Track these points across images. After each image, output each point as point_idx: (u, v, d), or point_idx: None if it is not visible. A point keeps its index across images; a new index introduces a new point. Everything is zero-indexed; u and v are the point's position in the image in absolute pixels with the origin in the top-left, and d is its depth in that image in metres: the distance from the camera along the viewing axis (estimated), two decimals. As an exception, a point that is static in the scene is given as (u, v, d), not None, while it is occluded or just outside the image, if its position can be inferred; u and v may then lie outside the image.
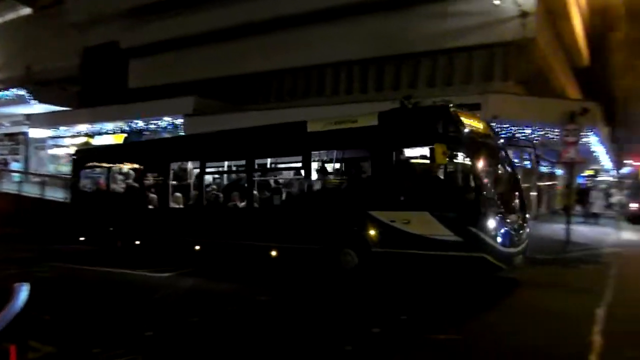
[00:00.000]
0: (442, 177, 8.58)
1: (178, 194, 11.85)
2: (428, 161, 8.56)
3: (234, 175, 12.39)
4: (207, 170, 11.73)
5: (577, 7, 23.19)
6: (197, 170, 11.63)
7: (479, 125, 8.88)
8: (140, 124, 22.29)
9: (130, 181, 12.86)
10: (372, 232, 8.71)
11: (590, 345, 5.37)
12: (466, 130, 8.27)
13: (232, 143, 11.35)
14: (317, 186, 9.99)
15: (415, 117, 9.19)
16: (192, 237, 11.10)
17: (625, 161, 31.15)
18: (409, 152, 9.13)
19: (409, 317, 6.63)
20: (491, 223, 7.91)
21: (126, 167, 13.12)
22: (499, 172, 9.21)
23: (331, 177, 10.12)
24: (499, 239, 7.99)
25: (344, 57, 19.47)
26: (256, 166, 10.92)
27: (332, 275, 9.03)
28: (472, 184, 8.25)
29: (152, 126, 22.23)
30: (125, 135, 22.96)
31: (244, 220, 10.66)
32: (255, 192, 10.62)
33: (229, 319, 6.74)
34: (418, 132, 8.72)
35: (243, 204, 10.72)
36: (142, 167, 12.52)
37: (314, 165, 9.98)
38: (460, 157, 8.43)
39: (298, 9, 19.20)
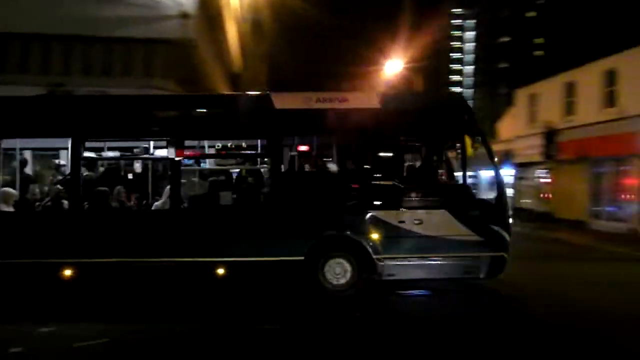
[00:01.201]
0: (461, 172, 7.96)
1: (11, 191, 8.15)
2: (450, 154, 8.02)
3: (140, 162, 9.10)
4: (87, 153, 8.34)
5: (234, 19, 25.12)
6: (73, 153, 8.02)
7: None
8: None
9: None
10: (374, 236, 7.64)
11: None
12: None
13: (140, 113, 8.42)
14: (292, 179, 8.34)
15: (432, 103, 8.70)
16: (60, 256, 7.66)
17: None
18: (424, 143, 8.41)
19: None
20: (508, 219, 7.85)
21: None
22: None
23: (311, 167, 8.54)
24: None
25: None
26: (185, 150, 8.10)
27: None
28: (496, 179, 7.99)
29: None
30: None
31: (166, 226, 7.93)
32: (183, 187, 8.17)
33: None
34: (441, 121, 8.05)
35: (163, 203, 8.17)
36: None
37: (286, 152, 8.36)
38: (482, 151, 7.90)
39: None
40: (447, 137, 8.45)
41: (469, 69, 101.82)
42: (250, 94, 10.75)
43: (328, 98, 8.23)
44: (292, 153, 8.75)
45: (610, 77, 21.02)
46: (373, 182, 7.91)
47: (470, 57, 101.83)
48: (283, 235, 7.80)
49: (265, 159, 8.51)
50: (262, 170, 8.72)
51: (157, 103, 9.13)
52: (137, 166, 9.11)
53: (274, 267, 7.76)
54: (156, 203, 8.48)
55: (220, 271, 7.75)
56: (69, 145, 8.07)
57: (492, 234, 7.81)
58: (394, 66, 30.86)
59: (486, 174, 10.08)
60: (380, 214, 7.80)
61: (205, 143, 8.87)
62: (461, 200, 7.94)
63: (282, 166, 8.37)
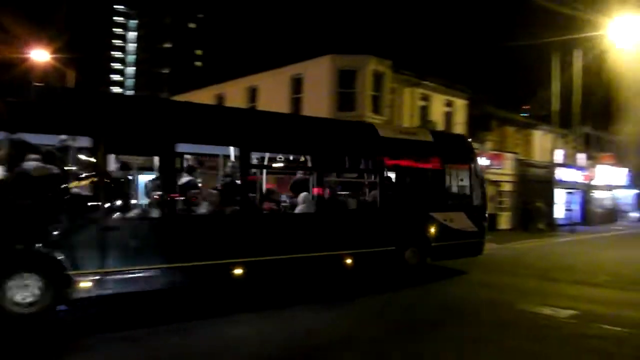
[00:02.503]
0: (471, 186, 11.61)
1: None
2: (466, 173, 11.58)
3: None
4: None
5: None
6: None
7: None
8: None
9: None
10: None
11: None
12: None
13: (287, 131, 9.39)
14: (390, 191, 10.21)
15: (454, 139, 13.94)
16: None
17: None
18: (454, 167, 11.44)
19: None
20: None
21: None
22: None
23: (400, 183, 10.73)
24: None
25: None
26: (327, 166, 9.66)
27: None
28: (482, 190, 12.05)
29: None
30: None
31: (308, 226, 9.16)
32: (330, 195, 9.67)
33: None
34: (463, 152, 11.94)
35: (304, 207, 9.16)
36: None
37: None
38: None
39: None
40: (466, 162, 11.77)
41: (131, 70, 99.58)
42: (361, 123, 14.33)
43: (405, 131, 13.10)
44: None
45: (253, 93, 23.80)
46: (431, 193, 10.96)
47: (132, 58, 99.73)
48: (386, 232, 10.04)
49: (371, 174, 10.62)
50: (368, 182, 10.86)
51: (306, 124, 10.58)
52: (299, 175, 10.24)
53: (383, 255, 9.95)
54: (298, 207, 9.24)
55: (349, 261, 9.32)
56: (234, 154, 9.03)
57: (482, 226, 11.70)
58: (40, 55, 27.42)
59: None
60: (433, 214, 10.72)
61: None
62: (471, 206, 11.47)
63: (385, 180, 10.20)
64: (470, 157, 11.92)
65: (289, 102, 21.89)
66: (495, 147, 27.22)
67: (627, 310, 8.41)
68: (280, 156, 10.56)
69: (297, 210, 9.26)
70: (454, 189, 11.63)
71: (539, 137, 33.04)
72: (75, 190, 7.09)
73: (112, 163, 7.83)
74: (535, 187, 25.93)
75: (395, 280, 10.13)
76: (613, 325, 7.26)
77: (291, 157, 10.68)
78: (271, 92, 22.65)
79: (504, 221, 24.66)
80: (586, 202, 31.79)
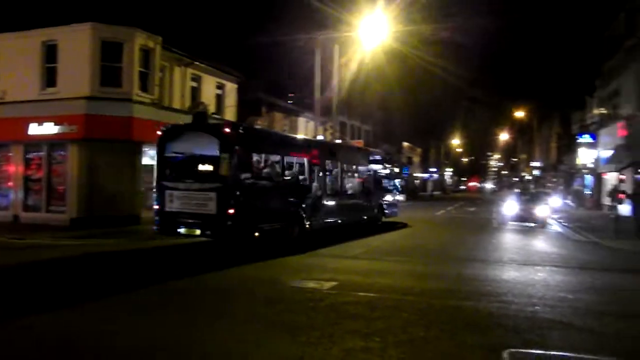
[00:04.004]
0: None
1: None
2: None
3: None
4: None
5: None
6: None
7: None
8: None
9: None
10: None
11: None
12: None
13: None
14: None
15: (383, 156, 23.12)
16: None
17: None
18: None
19: None
20: None
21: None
22: None
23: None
24: None
25: None
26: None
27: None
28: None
29: None
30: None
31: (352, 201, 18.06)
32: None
33: None
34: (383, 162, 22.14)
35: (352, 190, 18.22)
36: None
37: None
38: None
39: None
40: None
41: None
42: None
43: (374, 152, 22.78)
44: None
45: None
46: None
47: None
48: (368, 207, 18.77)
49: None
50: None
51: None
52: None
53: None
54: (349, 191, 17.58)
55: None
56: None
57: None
58: None
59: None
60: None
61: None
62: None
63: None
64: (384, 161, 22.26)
65: (40, 71, 19.03)
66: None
67: (378, 277, 9.68)
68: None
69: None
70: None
71: (303, 123, 35.64)
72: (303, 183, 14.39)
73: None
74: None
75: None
76: (366, 291, 8.27)
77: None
78: (17, 57, 19.34)
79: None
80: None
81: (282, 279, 9.33)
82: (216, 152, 11.59)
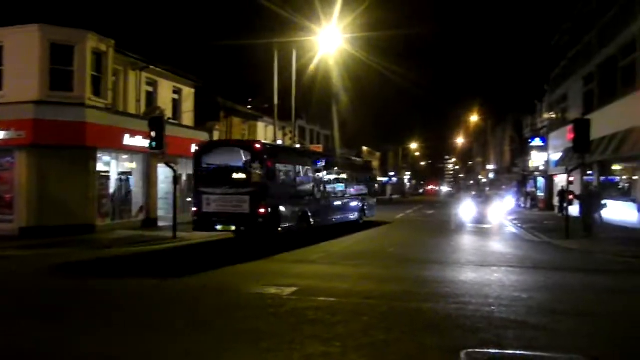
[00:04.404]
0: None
1: None
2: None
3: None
4: None
5: None
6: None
7: None
8: None
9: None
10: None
11: None
12: None
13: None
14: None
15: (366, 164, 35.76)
16: None
17: None
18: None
19: None
20: None
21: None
22: None
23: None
24: None
25: None
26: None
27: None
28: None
29: None
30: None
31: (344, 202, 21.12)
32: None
33: None
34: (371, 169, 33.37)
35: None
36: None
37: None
38: None
39: None
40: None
41: None
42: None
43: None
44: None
45: None
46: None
47: None
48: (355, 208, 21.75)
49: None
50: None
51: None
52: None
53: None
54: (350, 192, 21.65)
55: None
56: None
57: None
58: None
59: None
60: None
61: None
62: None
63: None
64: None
65: (-16, 74, 18.17)
66: (222, 136, 28.03)
67: (337, 282, 9.67)
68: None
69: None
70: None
71: (262, 128, 35.43)
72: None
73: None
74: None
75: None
76: (327, 296, 8.24)
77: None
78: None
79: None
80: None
81: (238, 285, 9.20)
82: (248, 164, 14.45)
